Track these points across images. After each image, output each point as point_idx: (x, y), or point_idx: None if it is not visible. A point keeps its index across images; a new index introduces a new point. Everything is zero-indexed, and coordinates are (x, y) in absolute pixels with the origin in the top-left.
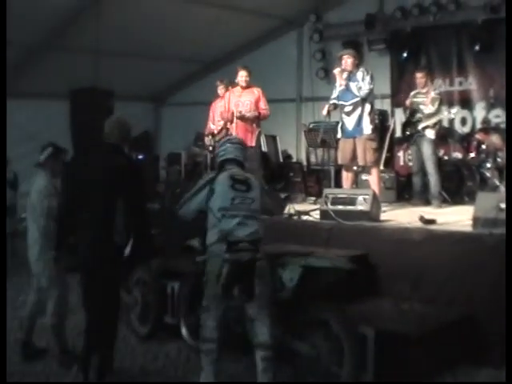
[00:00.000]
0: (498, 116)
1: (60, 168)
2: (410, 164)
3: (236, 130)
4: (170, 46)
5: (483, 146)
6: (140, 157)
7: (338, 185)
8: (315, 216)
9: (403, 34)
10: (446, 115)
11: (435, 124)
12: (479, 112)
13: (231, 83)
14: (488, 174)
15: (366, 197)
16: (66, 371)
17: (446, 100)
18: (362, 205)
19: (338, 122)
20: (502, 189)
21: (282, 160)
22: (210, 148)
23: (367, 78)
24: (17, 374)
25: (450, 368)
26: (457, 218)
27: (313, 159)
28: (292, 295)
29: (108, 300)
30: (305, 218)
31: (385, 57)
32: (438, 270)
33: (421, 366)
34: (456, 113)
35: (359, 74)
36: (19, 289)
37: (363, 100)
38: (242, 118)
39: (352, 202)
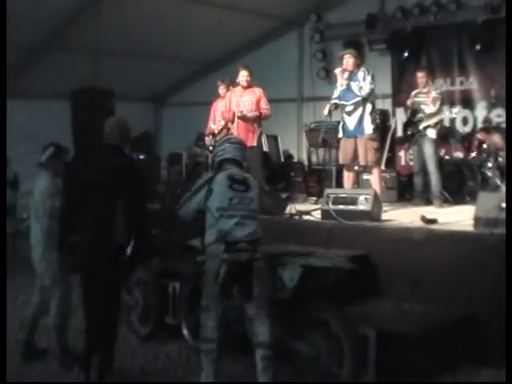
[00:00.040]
0: (499, 115)
1: (62, 168)
2: (411, 164)
3: (237, 129)
4: (171, 47)
5: (484, 146)
6: (141, 157)
7: (339, 185)
8: (316, 216)
9: (404, 33)
10: (447, 115)
11: (436, 124)
12: (480, 111)
13: (232, 83)
14: (489, 174)
15: (368, 197)
16: (66, 371)
17: (447, 100)
18: (363, 205)
19: (339, 122)
20: (504, 188)
21: (283, 160)
22: (211, 148)
23: (368, 78)
24: (17, 375)
25: (451, 368)
26: (458, 217)
27: (314, 159)
28: (292, 295)
29: (108, 300)
30: (306, 217)
31: (386, 57)
32: (439, 269)
33: (422, 366)
34: (458, 112)
35: (360, 74)
36: (20, 289)
37: (364, 100)
38: (243, 117)
39: (353, 201)
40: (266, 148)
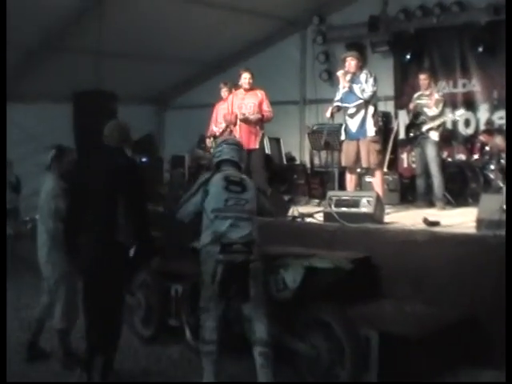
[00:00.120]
0: (501, 118)
1: (66, 168)
2: (414, 166)
3: (239, 132)
4: (174, 49)
5: (487, 148)
6: (144, 159)
7: (342, 187)
8: (319, 218)
9: (406, 35)
10: (450, 117)
11: (439, 126)
12: (483, 114)
13: (235, 86)
14: (492, 176)
15: (370, 199)
16: (69, 373)
17: (449, 102)
18: (365, 207)
19: (341, 124)
20: None
21: (285, 162)
22: (212, 150)
23: (370, 80)
24: (19, 375)
25: (453, 370)
26: (461, 219)
27: (316, 161)
28: (294, 296)
29: (111, 300)
30: (308, 220)
31: (388, 59)
32: (441, 271)
33: (424, 367)
34: (462, 115)
35: (363, 76)
36: (23, 291)
37: (367, 102)
38: (245, 120)
39: (356, 204)
40: (268, 150)
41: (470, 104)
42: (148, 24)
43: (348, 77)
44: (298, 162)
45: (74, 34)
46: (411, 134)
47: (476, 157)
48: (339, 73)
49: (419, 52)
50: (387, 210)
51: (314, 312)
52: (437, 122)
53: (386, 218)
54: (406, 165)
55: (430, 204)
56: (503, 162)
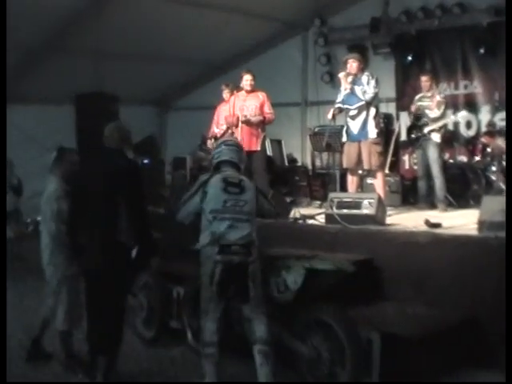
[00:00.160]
0: (503, 119)
1: (68, 170)
2: (415, 168)
3: (241, 134)
4: (175, 51)
5: (488, 150)
6: (145, 161)
7: (344, 189)
8: (320, 220)
9: (408, 37)
10: (452, 118)
11: (441, 128)
12: (484, 115)
13: (236, 87)
14: (493, 178)
15: (372, 201)
16: (70, 375)
17: (451, 103)
18: (367, 209)
19: (343, 126)
20: None
21: (287, 164)
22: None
23: (372, 82)
24: (21, 378)
25: (455, 371)
26: (462, 221)
27: (318, 163)
28: (296, 298)
29: (114, 300)
30: (310, 222)
31: (390, 60)
32: (442, 273)
33: (425, 369)
34: (464, 117)
35: (364, 78)
36: (25, 293)
37: (368, 104)
38: (247, 122)
39: (357, 205)
40: (269, 152)
41: (471, 106)
42: (149, 25)
43: (349, 78)
44: (299, 164)
45: (74, 35)
46: (413, 136)
47: (478, 158)
48: (341, 75)
49: (421, 54)
50: (389, 212)
51: (316, 313)
52: (439, 124)
53: (388, 220)
54: (407, 166)
55: (432, 206)
56: (505, 163)
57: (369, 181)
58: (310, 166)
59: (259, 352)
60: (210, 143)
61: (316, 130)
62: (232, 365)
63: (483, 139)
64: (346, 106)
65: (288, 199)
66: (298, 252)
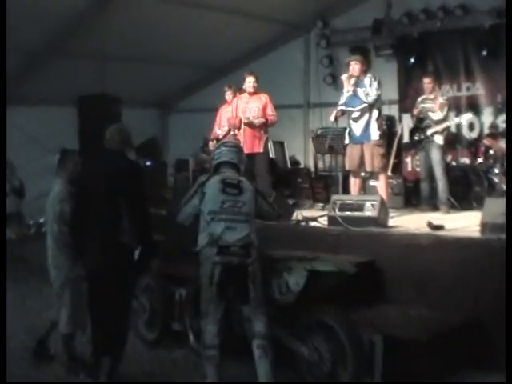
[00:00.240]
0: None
1: (72, 171)
2: (418, 170)
3: (244, 136)
4: (177, 52)
5: (491, 152)
6: (147, 163)
7: (346, 191)
8: (323, 222)
9: (410, 39)
10: (456, 121)
11: (444, 130)
12: (487, 117)
13: (239, 90)
14: (496, 180)
15: (374, 203)
16: (73, 377)
17: (453, 105)
18: (369, 211)
19: (345, 128)
20: None
21: (289, 166)
22: None
23: (375, 84)
24: (23, 379)
25: (457, 373)
26: (465, 223)
27: (320, 165)
28: (297, 299)
29: (118, 301)
30: (313, 224)
31: (392, 62)
32: (445, 275)
33: (428, 371)
34: (469, 119)
35: (367, 80)
36: (27, 295)
37: (371, 106)
38: (249, 124)
39: (360, 208)
40: (272, 154)
41: (474, 107)
42: (152, 28)
43: (352, 81)
44: (302, 166)
45: (77, 37)
46: (416, 138)
47: (480, 160)
48: (343, 77)
49: (423, 55)
50: (391, 214)
51: (317, 315)
52: (442, 126)
53: (390, 222)
54: (410, 168)
55: (435, 208)
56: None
57: (371, 183)
58: (312, 168)
59: (258, 346)
60: (211, 145)
61: (318, 132)
62: (233, 366)
63: (486, 141)
64: (348, 108)
65: (290, 201)
66: (299, 254)
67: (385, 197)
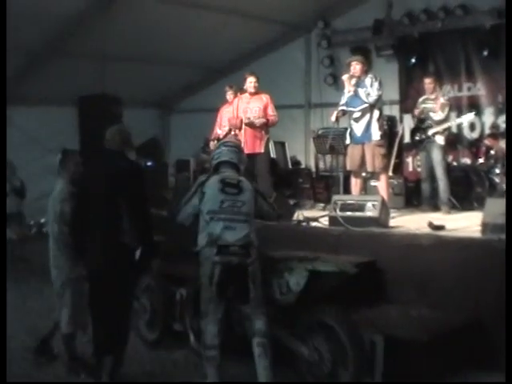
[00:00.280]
0: None
1: (73, 171)
2: (419, 170)
3: (245, 136)
4: (178, 53)
5: (492, 152)
6: (148, 164)
7: (347, 191)
8: (324, 222)
9: (411, 39)
10: (457, 121)
11: (445, 130)
12: (488, 117)
13: (240, 90)
14: (497, 180)
15: (375, 203)
16: (73, 377)
17: (454, 105)
18: (370, 211)
19: (346, 128)
20: None
21: (290, 166)
22: None
23: (376, 84)
24: (23, 378)
25: (458, 374)
26: (466, 223)
27: (321, 165)
28: (298, 299)
29: (119, 300)
30: (314, 224)
31: (393, 62)
32: (446, 275)
33: (429, 371)
34: (471, 119)
35: (368, 80)
36: (28, 295)
37: (372, 106)
38: (250, 124)
39: (361, 208)
40: (273, 154)
41: (475, 108)
42: (152, 28)
43: (353, 81)
44: (303, 166)
45: (77, 37)
46: (417, 138)
47: (481, 161)
48: (344, 77)
49: (424, 56)
50: (392, 214)
51: (318, 315)
52: (443, 126)
53: (391, 222)
54: (411, 169)
55: (435, 208)
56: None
57: (372, 183)
58: (313, 169)
59: (258, 344)
60: (212, 145)
61: (319, 132)
62: (233, 366)
63: (487, 141)
64: (349, 109)
65: (291, 202)
66: (300, 254)
67: (386, 197)
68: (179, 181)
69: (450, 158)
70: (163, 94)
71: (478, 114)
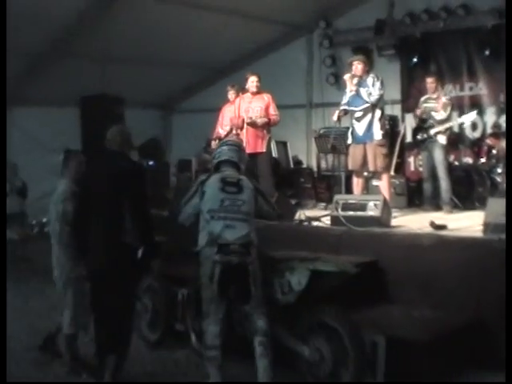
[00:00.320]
0: None
1: (77, 171)
2: (421, 169)
3: (246, 136)
4: (179, 53)
5: (494, 151)
6: (150, 163)
7: (349, 191)
8: (326, 222)
9: (412, 39)
10: (459, 120)
11: (447, 129)
12: (490, 117)
13: (242, 89)
14: (499, 179)
15: (377, 202)
16: (74, 377)
17: (456, 105)
18: (372, 211)
19: (348, 128)
20: None
21: (292, 166)
22: None
23: (377, 84)
24: (23, 378)
25: (460, 374)
26: (467, 223)
27: (323, 165)
28: (299, 299)
29: (121, 299)
30: (315, 223)
31: (394, 62)
32: (448, 275)
33: (431, 372)
34: (474, 118)
35: (369, 80)
36: (29, 295)
37: (373, 106)
38: (252, 124)
39: (362, 207)
40: (275, 154)
41: (476, 107)
42: (154, 29)
43: (355, 80)
44: (304, 166)
45: (79, 38)
46: (419, 138)
47: (483, 160)
48: (346, 76)
49: (425, 55)
50: (394, 214)
51: (319, 315)
52: (445, 126)
53: (393, 222)
54: (412, 168)
55: (437, 207)
56: None
57: (374, 183)
58: (315, 168)
59: (259, 344)
60: (214, 144)
61: (321, 131)
62: (233, 366)
63: (488, 141)
64: (351, 108)
65: (293, 201)
66: (301, 254)
67: (387, 197)
68: (181, 181)
69: (452, 158)
70: (165, 94)
71: (480, 113)
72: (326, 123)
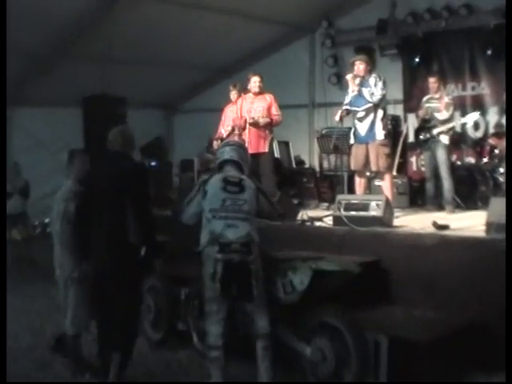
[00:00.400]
0: None
1: (81, 171)
2: (423, 169)
3: (249, 136)
4: (182, 53)
5: (496, 151)
6: (152, 163)
7: (351, 191)
8: (328, 222)
9: (415, 39)
10: (462, 121)
11: (449, 129)
12: (492, 117)
13: (244, 89)
14: (501, 179)
15: (379, 202)
16: (77, 377)
17: (458, 105)
18: (374, 210)
19: (350, 128)
20: None
21: (294, 166)
22: None
23: (380, 84)
24: (23, 378)
25: (463, 374)
26: (470, 223)
27: (325, 165)
28: (302, 298)
29: (126, 298)
30: (318, 224)
31: (397, 62)
32: (450, 275)
33: (433, 372)
34: (476, 119)
35: (372, 80)
36: (32, 295)
37: (376, 106)
38: (254, 124)
39: (365, 207)
40: (277, 154)
41: (479, 107)
42: (156, 30)
43: (357, 80)
44: (307, 166)
45: (82, 39)
46: (421, 137)
47: (485, 160)
48: (348, 76)
49: (428, 55)
50: (396, 214)
51: (321, 315)
52: (447, 126)
53: (396, 222)
54: (415, 168)
55: (440, 207)
56: None
57: (376, 183)
58: (317, 168)
59: (262, 348)
60: (216, 144)
61: (323, 131)
62: (233, 366)
63: (491, 141)
64: (353, 108)
65: (295, 201)
66: (304, 254)
67: (390, 196)
68: (183, 181)
69: (454, 158)
70: (167, 94)
71: (483, 113)
72: (328, 123)
